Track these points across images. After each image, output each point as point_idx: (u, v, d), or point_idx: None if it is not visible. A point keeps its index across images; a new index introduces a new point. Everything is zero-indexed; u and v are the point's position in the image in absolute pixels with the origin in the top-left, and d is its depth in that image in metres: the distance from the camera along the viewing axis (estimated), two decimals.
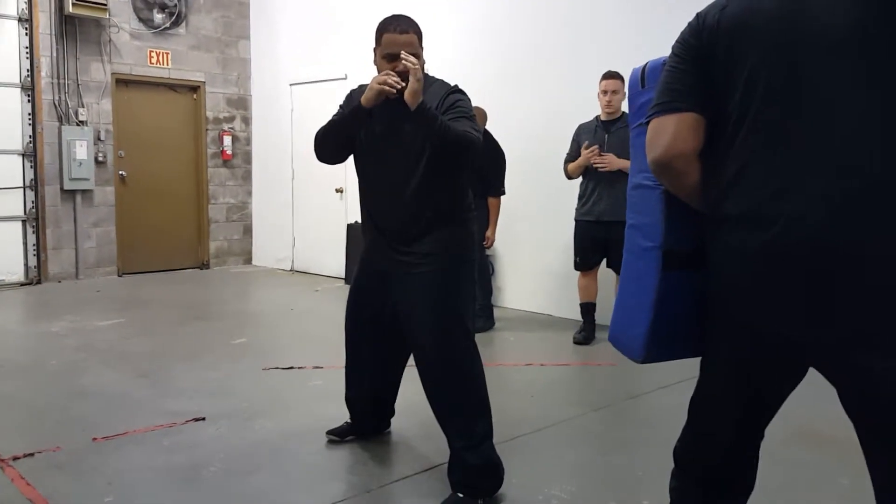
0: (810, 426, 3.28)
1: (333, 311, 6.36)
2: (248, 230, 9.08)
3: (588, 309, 5.23)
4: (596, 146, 4.91)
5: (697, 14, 1.64)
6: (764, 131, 1.52)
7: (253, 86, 8.91)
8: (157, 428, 3.39)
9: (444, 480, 2.73)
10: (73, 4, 7.18)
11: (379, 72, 2.64)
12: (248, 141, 8.98)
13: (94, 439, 3.24)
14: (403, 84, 2.51)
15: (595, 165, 4.89)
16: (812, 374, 1.66)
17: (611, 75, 4.94)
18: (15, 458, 3.01)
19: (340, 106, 2.90)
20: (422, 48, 2.68)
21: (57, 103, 7.42)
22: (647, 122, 1.68)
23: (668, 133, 1.62)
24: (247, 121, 8.95)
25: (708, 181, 1.62)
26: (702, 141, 1.62)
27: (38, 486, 2.77)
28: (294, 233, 8.52)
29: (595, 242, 5.05)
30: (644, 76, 1.80)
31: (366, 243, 2.96)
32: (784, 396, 1.70)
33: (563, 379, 4.46)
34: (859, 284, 1.41)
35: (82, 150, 7.49)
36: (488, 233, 5.40)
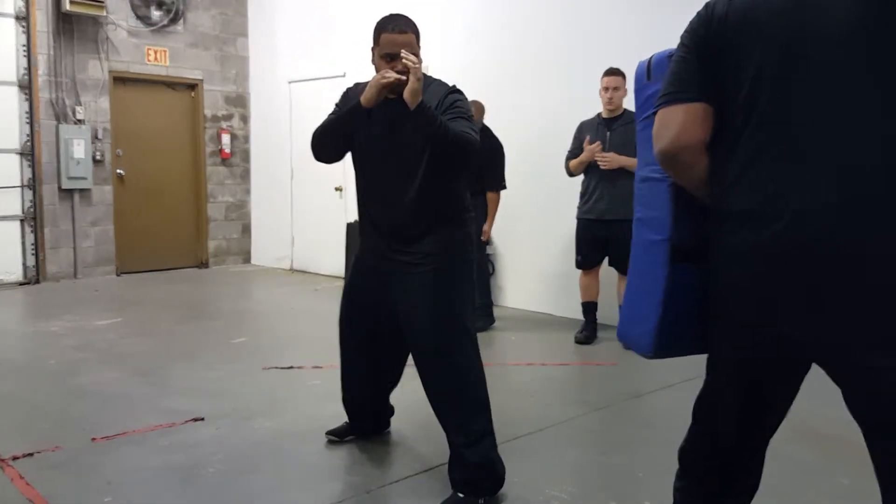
0: (810, 424, 3.27)
1: (333, 311, 6.32)
2: (246, 229, 9.06)
3: (589, 308, 5.22)
4: (599, 142, 4.89)
5: (706, 4, 1.63)
6: (768, 128, 1.51)
7: (251, 84, 8.89)
8: (156, 428, 3.38)
9: (443, 481, 2.72)
10: (71, 2, 7.16)
11: (377, 72, 2.62)
12: (247, 139, 8.96)
13: (94, 439, 3.23)
14: (404, 79, 2.49)
15: (598, 162, 4.87)
16: (812, 372, 1.65)
17: (612, 72, 4.92)
18: (14, 458, 3.00)
19: (336, 104, 2.88)
20: (419, 48, 2.66)
21: (54, 102, 7.39)
22: (654, 114, 1.66)
23: (676, 123, 1.60)
24: (245, 119, 8.93)
25: (713, 176, 1.61)
26: (709, 131, 1.60)
27: (38, 486, 2.75)
28: (293, 232, 8.51)
29: (597, 241, 5.03)
30: (650, 69, 1.79)
31: (362, 243, 2.95)
32: (788, 397, 1.69)
33: (563, 378, 4.45)
34: (861, 283, 1.41)
35: (80, 149, 7.47)
36: (485, 227, 5.34)
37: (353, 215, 7.48)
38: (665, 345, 1.75)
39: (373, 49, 2.70)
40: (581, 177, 5.11)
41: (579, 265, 5.20)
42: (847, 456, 3.04)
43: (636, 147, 1.91)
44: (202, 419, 3.48)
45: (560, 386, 4.27)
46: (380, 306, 2.88)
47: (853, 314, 1.43)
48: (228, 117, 8.78)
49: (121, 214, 7.95)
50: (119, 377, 4.20)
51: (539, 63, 6.04)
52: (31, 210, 7.35)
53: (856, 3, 1.42)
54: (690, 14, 1.67)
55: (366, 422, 3.25)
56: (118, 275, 7.92)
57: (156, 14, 8.03)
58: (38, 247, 7.39)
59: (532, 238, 6.12)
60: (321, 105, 8.11)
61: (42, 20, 7.23)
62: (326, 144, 2.81)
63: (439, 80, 2.76)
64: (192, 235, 8.66)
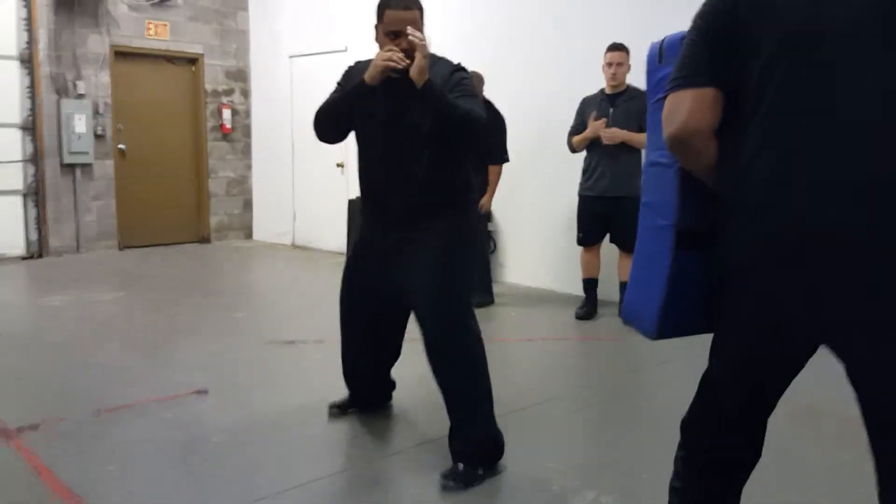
0: (811, 401, 3.28)
1: (334, 286, 6.34)
2: (248, 204, 9.05)
3: (590, 284, 5.23)
4: (604, 118, 4.87)
5: None
6: (779, 116, 1.50)
7: (252, 58, 8.83)
8: (160, 400, 3.41)
9: (444, 452, 2.75)
10: None
11: (381, 49, 2.58)
12: (248, 114, 8.92)
13: (97, 411, 3.26)
14: (408, 61, 2.47)
15: (602, 138, 4.85)
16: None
17: (616, 47, 4.88)
18: (19, 430, 3.03)
19: (338, 83, 2.84)
20: (424, 24, 2.62)
21: (55, 76, 7.35)
22: (665, 97, 1.65)
23: (686, 108, 1.59)
24: (246, 94, 8.88)
25: (723, 162, 1.61)
26: (719, 117, 1.59)
27: (43, 457, 2.79)
28: (294, 207, 8.50)
29: (598, 218, 5.03)
30: (662, 51, 1.77)
31: (363, 223, 2.94)
32: (792, 375, 1.70)
33: (564, 354, 4.48)
34: (875, 271, 1.40)
35: (81, 124, 7.44)
36: (484, 199, 5.26)
37: (355, 191, 7.48)
38: (668, 326, 1.77)
39: (376, 26, 2.65)
40: (583, 154, 5.10)
41: (580, 242, 5.20)
42: (847, 432, 3.07)
43: (646, 129, 1.90)
44: (205, 391, 3.51)
45: (560, 361, 4.30)
46: (381, 285, 2.88)
47: (867, 303, 1.42)
48: (229, 92, 8.74)
49: (122, 189, 7.95)
50: (121, 350, 4.23)
51: (542, 38, 5.98)
52: (33, 185, 7.35)
53: None
54: None
55: (367, 395, 3.27)
56: (120, 249, 7.93)
57: None
58: (40, 221, 7.40)
59: (533, 215, 6.12)
60: (322, 80, 8.04)
61: None
62: (329, 124, 2.78)
63: (444, 59, 2.73)
64: (194, 210, 8.66)
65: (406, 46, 2.49)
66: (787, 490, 2.60)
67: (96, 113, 7.63)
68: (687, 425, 1.84)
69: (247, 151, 8.98)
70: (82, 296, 5.66)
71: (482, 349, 2.74)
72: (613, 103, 4.93)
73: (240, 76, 8.80)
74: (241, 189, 8.98)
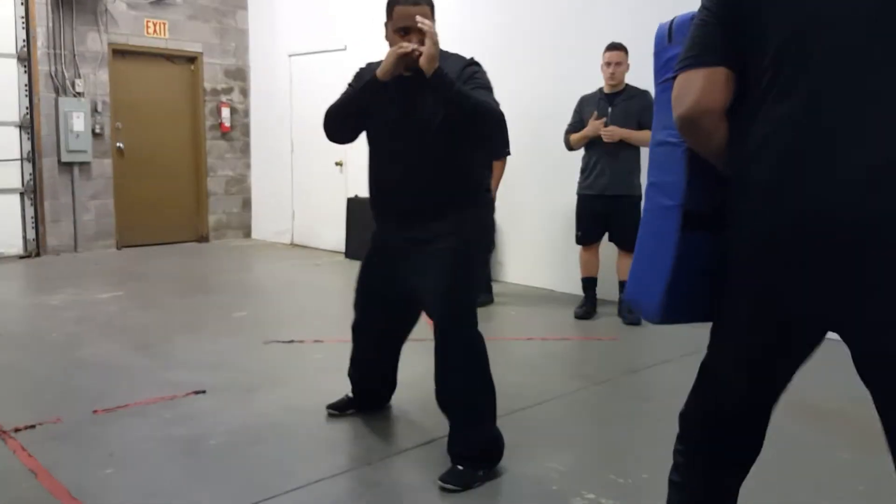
0: (811, 399, 3.28)
1: (333, 285, 6.36)
2: (247, 203, 9.04)
3: (589, 283, 5.22)
4: (604, 117, 4.87)
5: None
6: (793, 98, 1.48)
7: (251, 57, 8.82)
8: (158, 400, 3.40)
9: (444, 453, 2.74)
10: None
11: (391, 47, 2.56)
12: (247, 113, 8.91)
13: (95, 411, 3.25)
14: (419, 49, 2.43)
15: (602, 136, 4.84)
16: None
17: (615, 47, 4.88)
18: (16, 430, 3.02)
19: (350, 84, 2.82)
20: (434, 20, 2.60)
21: (53, 74, 7.34)
22: (674, 77, 1.63)
23: (697, 88, 1.57)
24: (245, 92, 8.87)
25: (733, 144, 1.59)
26: (730, 97, 1.57)
27: (40, 458, 2.77)
28: (293, 206, 8.49)
29: (597, 216, 5.03)
30: (671, 31, 1.74)
31: (376, 223, 2.90)
32: (794, 368, 1.68)
33: (563, 353, 4.47)
34: (886, 255, 1.39)
35: (79, 122, 7.42)
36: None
37: (354, 190, 7.51)
38: (672, 311, 1.75)
39: (386, 24, 2.63)
40: (581, 152, 5.09)
41: (579, 241, 5.19)
42: (847, 431, 3.07)
43: (653, 111, 1.88)
44: (204, 392, 3.50)
45: (559, 360, 4.29)
46: (395, 287, 2.85)
47: (876, 287, 1.41)
48: (228, 91, 8.72)
49: (121, 188, 7.93)
50: (120, 350, 4.22)
51: (541, 36, 5.98)
52: (31, 183, 7.33)
53: None
54: None
55: (371, 397, 3.26)
56: (118, 248, 7.92)
57: None
58: (38, 220, 7.38)
59: (532, 213, 6.11)
60: (322, 79, 8.06)
61: None
62: (340, 123, 2.76)
63: (457, 55, 2.70)
64: (192, 209, 8.65)
65: (417, 42, 2.46)
66: (786, 487, 2.60)
67: (94, 111, 7.61)
68: (686, 417, 1.82)
69: (246, 150, 8.97)
70: (80, 295, 5.65)
71: (483, 351, 2.73)
72: (612, 102, 4.93)
73: (239, 75, 8.79)
74: (240, 188, 8.97)
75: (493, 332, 4.62)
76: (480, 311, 2.84)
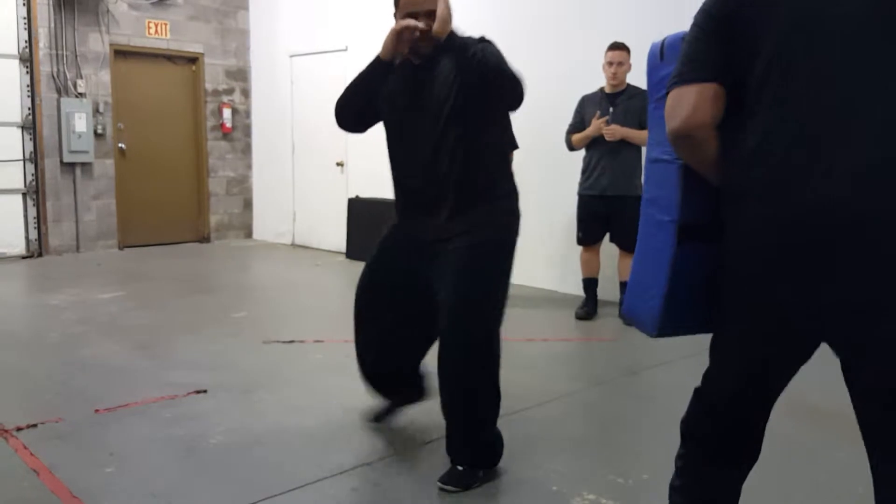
0: (808, 400, 3.28)
1: (334, 286, 6.37)
2: (248, 204, 9.05)
3: (590, 284, 5.22)
4: (606, 117, 4.87)
5: None
6: (786, 104, 1.51)
7: (252, 57, 8.82)
8: (159, 400, 3.40)
9: (444, 454, 2.73)
10: None
11: None
12: (248, 114, 8.92)
13: (96, 411, 3.25)
14: (426, 27, 2.39)
15: (604, 135, 4.84)
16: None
17: (617, 46, 4.88)
18: (18, 429, 3.02)
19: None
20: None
21: (55, 75, 7.35)
22: (667, 95, 1.66)
23: (688, 103, 1.60)
24: (246, 93, 8.88)
25: (726, 153, 1.61)
26: (721, 112, 1.61)
27: (41, 457, 2.78)
28: (294, 207, 8.49)
29: (598, 217, 5.03)
30: (663, 50, 1.79)
31: (397, 216, 2.80)
32: (790, 374, 1.69)
33: (564, 354, 4.47)
34: (879, 254, 1.41)
35: (81, 123, 7.44)
36: None
37: (355, 190, 7.51)
38: (669, 324, 1.78)
39: (394, 16, 2.59)
40: (582, 152, 5.09)
41: (580, 241, 5.19)
42: (847, 431, 3.06)
43: (648, 127, 1.91)
44: (204, 391, 3.50)
45: (560, 361, 4.29)
46: (406, 280, 2.74)
47: (870, 286, 1.43)
48: (229, 91, 8.73)
49: (122, 188, 7.95)
50: (121, 350, 4.22)
51: (542, 35, 5.97)
52: (33, 183, 7.34)
53: None
54: None
55: (400, 394, 3.06)
56: (120, 249, 7.93)
57: None
58: (40, 220, 7.39)
59: (533, 213, 6.06)
60: (323, 79, 8.05)
61: None
62: (350, 108, 2.72)
63: (470, 36, 2.61)
64: (194, 210, 8.65)
65: (424, 27, 2.42)
66: (786, 487, 2.60)
67: (96, 112, 7.62)
68: (687, 424, 1.84)
69: (247, 151, 8.97)
70: (82, 295, 5.66)
71: (497, 358, 2.66)
72: (613, 102, 4.93)
73: (240, 75, 8.80)
74: (241, 188, 8.98)
75: None
76: None
